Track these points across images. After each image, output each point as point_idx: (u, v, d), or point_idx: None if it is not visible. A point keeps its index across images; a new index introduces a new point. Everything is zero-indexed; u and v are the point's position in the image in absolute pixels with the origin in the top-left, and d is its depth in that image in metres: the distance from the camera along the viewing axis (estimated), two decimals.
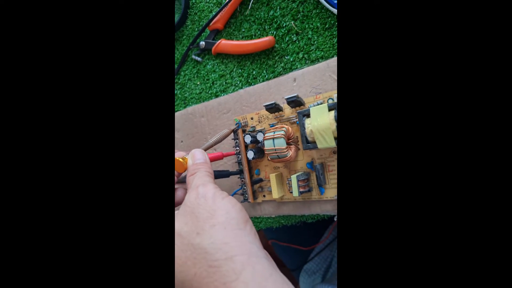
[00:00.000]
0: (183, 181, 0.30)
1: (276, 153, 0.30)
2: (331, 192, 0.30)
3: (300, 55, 0.37)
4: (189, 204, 0.23)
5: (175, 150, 0.31)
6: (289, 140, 0.31)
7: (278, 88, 0.34)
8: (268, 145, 0.30)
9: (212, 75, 0.45)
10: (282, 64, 0.39)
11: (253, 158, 0.33)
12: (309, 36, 0.36)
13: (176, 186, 0.30)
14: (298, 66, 0.37)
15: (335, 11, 0.33)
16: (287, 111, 0.32)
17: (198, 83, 0.46)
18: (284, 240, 0.61)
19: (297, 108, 0.31)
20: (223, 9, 0.41)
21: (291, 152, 0.30)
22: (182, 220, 0.22)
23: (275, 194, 0.32)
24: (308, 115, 0.29)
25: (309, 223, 0.54)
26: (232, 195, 0.34)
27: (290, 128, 0.31)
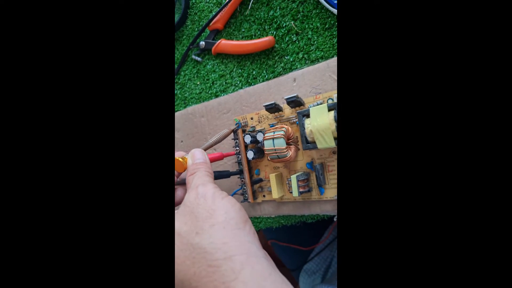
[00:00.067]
0: (183, 183, 0.30)
1: (276, 153, 0.30)
2: (331, 192, 0.30)
3: (300, 55, 0.37)
4: (188, 204, 0.23)
5: (175, 150, 0.31)
6: (289, 140, 0.31)
7: (278, 88, 0.34)
8: (268, 145, 0.30)
9: (212, 75, 0.45)
10: (282, 64, 0.39)
11: (253, 158, 0.33)
12: (309, 36, 0.36)
13: (175, 186, 0.30)
14: (298, 66, 0.37)
15: (335, 11, 0.33)
16: (287, 111, 0.32)
17: (198, 83, 0.46)
18: (284, 240, 0.61)
19: (297, 108, 0.31)
20: (223, 9, 0.41)
21: (290, 152, 0.30)
22: (181, 220, 0.22)
23: (275, 194, 0.32)
24: (308, 115, 0.29)
25: (309, 223, 0.54)
26: (232, 195, 0.34)
27: (290, 128, 0.31)
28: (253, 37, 0.41)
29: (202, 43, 0.44)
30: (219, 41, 0.42)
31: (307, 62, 0.37)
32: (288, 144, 0.31)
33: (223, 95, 0.43)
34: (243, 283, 0.18)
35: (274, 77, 0.38)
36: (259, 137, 0.32)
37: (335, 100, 0.29)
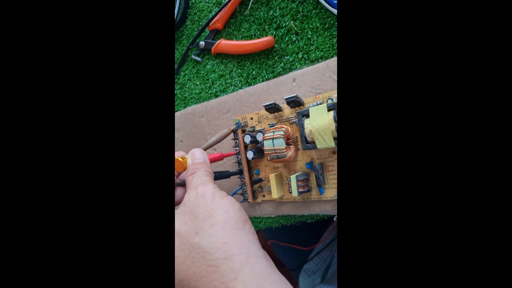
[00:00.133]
0: (182, 184, 0.30)
1: (276, 153, 0.30)
2: (331, 192, 0.30)
3: (300, 55, 0.37)
4: (188, 204, 0.23)
5: (175, 150, 0.31)
6: (288, 140, 0.31)
7: (278, 88, 0.34)
8: (267, 145, 0.30)
9: (212, 75, 0.45)
10: (281, 64, 0.39)
11: (252, 158, 0.33)
12: (309, 36, 0.36)
13: (175, 186, 0.30)
14: (298, 66, 0.37)
15: (334, 11, 0.33)
16: (287, 111, 0.32)
17: (198, 83, 0.46)
18: (283, 240, 0.61)
19: (297, 108, 0.31)
20: (223, 9, 0.41)
21: (290, 152, 0.30)
22: (181, 220, 0.22)
23: (275, 194, 0.32)
24: (307, 115, 0.29)
25: (309, 223, 0.54)
26: (232, 195, 0.34)
27: (289, 128, 0.31)
28: (253, 37, 0.41)
29: (202, 43, 0.44)
30: (219, 41, 0.42)
31: (306, 62, 0.37)
32: (287, 144, 0.31)
33: (223, 95, 0.43)
34: (243, 283, 0.18)
35: (273, 77, 0.38)
36: (259, 137, 0.32)
37: (335, 100, 0.29)
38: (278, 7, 0.38)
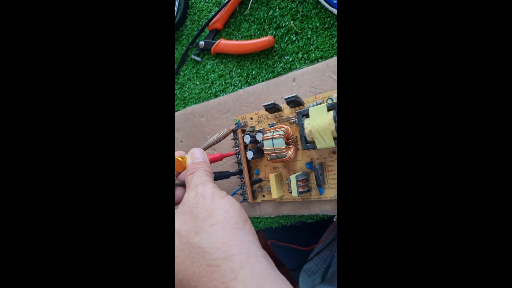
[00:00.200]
0: (182, 184, 0.30)
1: (275, 153, 0.30)
2: (331, 192, 0.30)
3: (300, 55, 0.37)
4: (188, 203, 0.23)
5: (175, 150, 0.31)
6: (288, 140, 0.31)
7: (278, 88, 0.34)
8: (267, 145, 0.30)
9: (212, 75, 0.45)
10: (281, 64, 0.39)
11: (252, 158, 0.33)
12: (309, 36, 0.36)
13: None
14: (298, 66, 0.37)
15: (334, 11, 0.33)
16: (287, 111, 0.32)
17: (198, 83, 0.46)
18: (283, 240, 0.61)
19: (297, 108, 0.31)
20: (223, 9, 0.41)
21: (290, 152, 0.30)
22: (181, 219, 0.22)
23: (275, 194, 0.32)
24: (307, 115, 0.29)
25: (309, 223, 0.54)
26: (232, 195, 0.34)
27: (289, 128, 0.31)
28: (253, 37, 0.41)
29: (202, 43, 0.44)
30: (219, 41, 0.42)
31: (306, 62, 0.37)
32: (287, 144, 0.31)
33: (223, 95, 0.43)
34: (243, 283, 0.18)
35: (273, 77, 0.38)
36: (259, 137, 0.32)
37: (335, 100, 0.29)
38: (277, 7, 0.38)
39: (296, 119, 0.31)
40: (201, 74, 0.46)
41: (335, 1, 0.33)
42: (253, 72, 0.41)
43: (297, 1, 0.37)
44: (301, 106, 0.31)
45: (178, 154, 0.29)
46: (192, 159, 0.28)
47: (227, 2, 0.41)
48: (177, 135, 0.44)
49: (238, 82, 0.43)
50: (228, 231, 0.21)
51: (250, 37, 0.41)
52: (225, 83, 0.44)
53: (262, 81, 0.40)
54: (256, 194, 0.36)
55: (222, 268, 0.19)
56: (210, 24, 0.43)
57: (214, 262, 0.19)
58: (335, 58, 0.30)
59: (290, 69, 0.38)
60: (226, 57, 0.43)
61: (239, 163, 0.35)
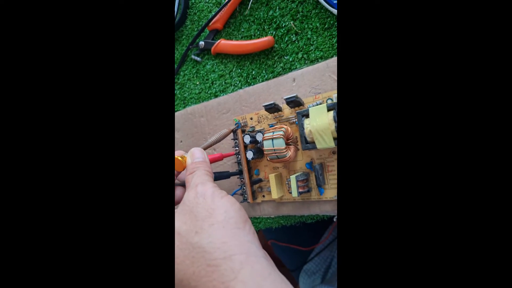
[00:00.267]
0: (182, 184, 0.30)
1: (275, 153, 0.30)
2: (331, 192, 0.30)
3: (300, 55, 0.37)
4: (188, 203, 0.23)
5: (175, 150, 0.31)
6: (288, 141, 0.31)
7: (278, 88, 0.34)
8: (267, 145, 0.30)
9: (212, 75, 0.45)
10: (281, 64, 0.39)
11: (252, 159, 0.33)
12: (309, 36, 0.36)
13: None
14: (298, 66, 0.37)
15: (334, 11, 0.33)
16: (286, 111, 0.32)
17: (198, 83, 0.46)
18: (283, 241, 0.61)
19: (296, 108, 0.31)
20: (223, 9, 0.41)
21: (290, 153, 0.30)
22: (181, 219, 0.22)
23: (275, 194, 0.32)
24: (307, 115, 0.29)
25: (309, 223, 0.54)
26: (232, 195, 0.34)
27: (289, 129, 0.31)
28: (253, 37, 0.41)
29: (202, 43, 0.44)
30: (219, 41, 0.42)
31: (306, 62, 0.37)
32: (287, 144, 0.31)
33: (223, 95, 0.43)
34: (243, 283, 0.18)
35: (273, 77, 0.38)
36: (259, 137, 0.32)
37: (334, 100, 0.29)
38: (277, 7, 0.38)
39: (296, 119, 0.31)
40: (201, 74, 0.46)
41: (335, 1, 0.33)
42: (253, 72, 0.41)
43: (297, 1, 0.37)
44: (301, 106, 0.31)
45: (178, 153, 0.29)
46: (192, 158, 0.28)
47: (227, 2, 0.41)
48: (177, 135, 0.44)
49: (238, 82, 0.43)
50: (228, 231, 0.21)
51: (250, 37, 0.41)
52: (225, 83, 0.44)
53: (262, 81, 0.40)
54: (256, 195, 0.36)
55: (222, 268, 0.19)
56: (210, 24, 0.43)
57: (214, 262, 0.19)
58: (335, 58, 0.30)
59: (290, 69, 0.38)
60: (226, 57, 0.43)
61: (239, 163, 0.35)
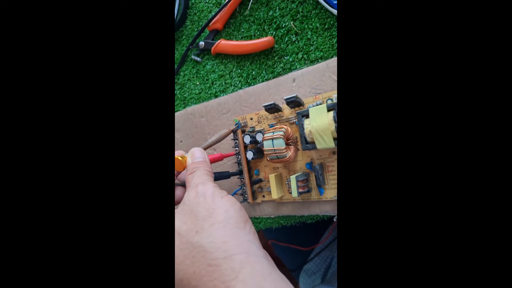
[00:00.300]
0: (182, 184, 0.30)
1: (275, 153, 0.30)
2: (331, 192, 0.30)
3: (300, 56, 0.37)
4: (188, 203, 0.23)
5: (175, 150, 0.31)
6: (288, 141, 0.31)
7: (278, 89, 0.34)
8: (267, 145, 0.30)
9: (212, 75, 0.45)
10: (281, 65, 0.39)
11: (252, 159, 0.33)
12: (309, 36, 0.36)
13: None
14: (298, 66, 0.37)
15: (334, 11, 0.33)
16: (286, 111, 0.32)
17: (198, 83, 0.46)
18: (283, 241, 0.61)
19: (296, 108, 0.31)
20: (223, 10, 0.41)
21: (290, 153, 0.30)
22: (181, 219, 0.22)
23: (275, 194, 0.32)
24: (307, 116, 0.29)
25: (309, 223, 0.54)
26: (232, 196, 0.34)
27: (289, 129, 0.31)
28: (253, 37, 0.41)
29: (202, 43, 0.44)
30: (219, 41, 0.42)
31: (306, 62, 0.37)
32: (287, 144, 0.31)
33: (223, 95, 0.43)
34: (243, 282, 0.18)
35: (273, 78, 0.38)
36: (259, 137, 0.32)
37: (334, 101, 0.29)
38: (277, 7, 0.38)
39: (296, 120, 0.31)
40: (201, 75, 0.46)
41: (335, 2, 0.33)
42: (253, 73, 0.41)
43: (297, 2, 0.37)
44: (301, 107, 0.31)
45: (178, 153, 0.30)
46: (192, 158, 0.28)
47: (227, 2, 0.41)
48: (177, 135, 0.44)
49: (238, 83, 0.43)
50: (228, 230, 0.21)
51: (250, 37, 0.41)
52: (225, 83, 0.44)
53: (262, 81, 0.40)
54: (256, 195, 0.36)
55: (222, 267, 0.19)
56: (210, 24, 0.43)
57: (215, 262, 0.19)
58: (335, 59, 0.30)
59: (290, 70, 0.38)
60: (226, 57, 0.43)
61: (239, 163, 0.35)
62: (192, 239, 0.21)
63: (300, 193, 0.30)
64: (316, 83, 0.31)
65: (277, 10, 0.38)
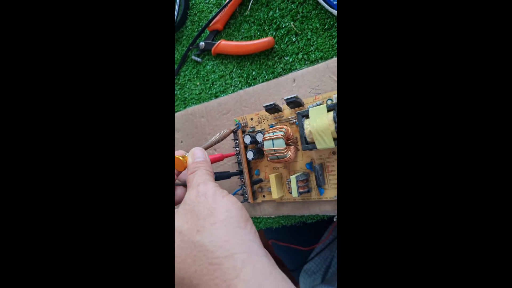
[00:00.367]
0: (183, 184, 0.30)
1: (276, 153, 0.30)
2: (331, 192, 0.30)
3: (300, 56, 0.37)
4: (189, 202, 0.23)
5: (175, 150, 0.31)
6: (288, 141, 0.31)
7: (278, 89, 0.34)
8: (267, 145, 0.30)
9: (212, 75, 0.45)
10: (281, 65, 0.39)
11: (252, 159, 0.33)
12: (309, 36, 0.36)
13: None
14: (298, 66, 0.37)
15: (334, 12, 0.33)
16: (287, 111, 0.32)
17: (198, 83, 0.47)
18: (283, 241, 0.61)
19: (297, 108, 0.31)
20: (223, 10, 0.41)
21: (290, 153, 0.30)
22: (182, 218, 0.23)
23: (275, 194, 0.32)
24: (307, 116, 0.29)
25: (309, 223, 0.54)
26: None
27: (289, 129, 0.31)
28: (253, 37, 0.41)
29: (202, 43, 0.44)
30: (219, 41, 0.42)
31: (306, 62, 0.37)
32: (287, 144, 0.31)
33: (223, 95, 0.43)
34: (244, 281, 0.18)
35: (273, 78, 0.38)
36: (259, 137, 0.32)
37: (334, 101, 0.29)
38: (278, 7, 0.38)
39: (296, 120, 0.31)
40: (201, 75, 0.46)
41: (335, 2, 0.33)
42: (253, 73, 0.41)
43: (297, 2, 0.37)
44: (301, 107, 0.31)
45: (179, 153, 0.30)
46: (193, 158, 0.28)
47: (227, 3, 0.41)
48: (177, 135, 0.44)
49: (238, 83, 0.43)
50: (229, 229, 0.21)
51: (250, 38, 0.41)
52: (225, 83, 0.44)
53: (262, 81, 0.40)
54: (257, 195, 0.36)
55: (224, 266, 0.19)
56: (211, 25, 0.43)
57: (216, 261, 0.19)
58: (335, 59, 0.30)
59: (290, 70, 0.38)
60: (226, 57, 0.44)
61: (239, 163, 0.36)
62: (193, 238, 0.21)
63: (300, 193, 0.30)
64: (316, 84, 0.31)
65: (277, 11, 0.38)
